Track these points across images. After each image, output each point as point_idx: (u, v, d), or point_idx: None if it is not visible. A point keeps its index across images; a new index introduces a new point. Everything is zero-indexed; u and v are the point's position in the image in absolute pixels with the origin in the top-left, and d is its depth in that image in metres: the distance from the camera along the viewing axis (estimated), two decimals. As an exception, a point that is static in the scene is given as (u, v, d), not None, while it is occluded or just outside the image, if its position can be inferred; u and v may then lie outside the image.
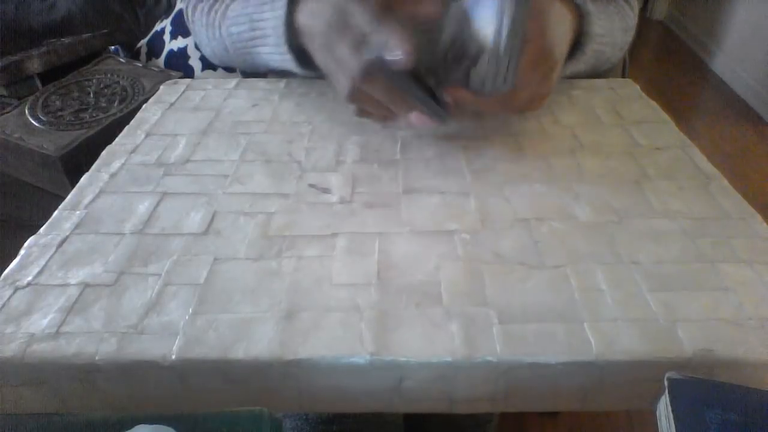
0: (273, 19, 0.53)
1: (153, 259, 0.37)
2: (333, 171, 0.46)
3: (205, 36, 0.64)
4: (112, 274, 0.36)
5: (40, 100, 0.77)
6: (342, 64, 0.44)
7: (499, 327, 0.32)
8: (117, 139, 0.51)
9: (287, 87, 0.60)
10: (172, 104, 0.57)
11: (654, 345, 0.31)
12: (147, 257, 0.37)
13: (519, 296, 0.34)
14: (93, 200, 0.43)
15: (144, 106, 0.57)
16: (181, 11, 0.93)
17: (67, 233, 0.39)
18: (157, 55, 0.92)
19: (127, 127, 0.53)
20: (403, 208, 0.42)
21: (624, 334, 0.32)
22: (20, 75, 0.82)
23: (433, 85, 0.46)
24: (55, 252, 0.38)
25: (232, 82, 0.61)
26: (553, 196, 0.43)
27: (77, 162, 0.68)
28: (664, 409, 0.27)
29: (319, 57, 0.48)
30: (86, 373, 0.31)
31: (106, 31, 0.94)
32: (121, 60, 0.87)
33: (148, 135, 0.51)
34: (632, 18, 0.63)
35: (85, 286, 0.35)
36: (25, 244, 0.39)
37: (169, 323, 0.33)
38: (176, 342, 0.31)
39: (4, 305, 0.34)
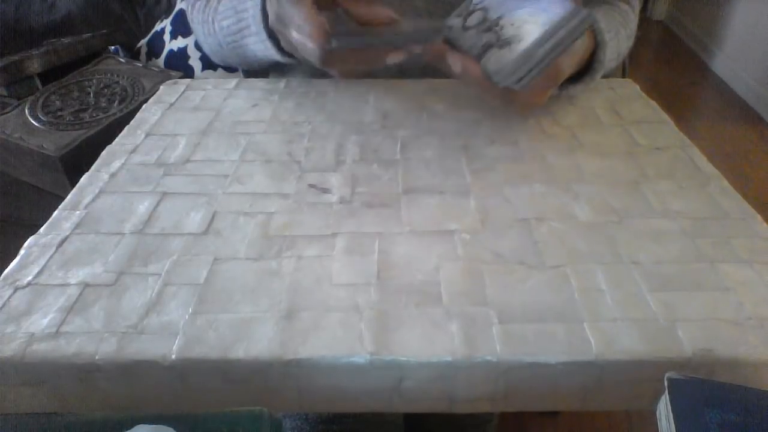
0: (252, 8, 0.54)
1: (153, 259, 0.37)
2: (333, 171, 0.46)
3: (202, 33, 0.64)
4: (112, 274, 0.36)
5: (40, 100, 0.77)
6: (302, 33, 0.46)
7: (499, 327, 0.32)
8: (117, 139, 0.51)
9: (287, 87, 0.60)
10: (172, 104, 0.57)
11: (654, 345, 0.31)
12: (147, 257, 0.37)
13: (519, 296, 0.34)
14: (93, 200, 0.43)
15: (144, 106, 0.57)
16: (181, 11, 0.93)
17: (67, 233, 0.39)
18: (157, 55, 0.92)
19: (127, 127, 0.53)
20: (403, 208, 0.42)
21: (624, 334, 0.32)
22: (20, 75, 0.82)
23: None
24: (55, 252, 0.38)
25: (232, 82, 0.61)
26: (552, 196, 0.43)
27: (77, 162, 0.68)
28: (664, 409, 0.27)
29: (283, 40, 0.50)
30: (86, 373, 0.31)
31: (106, 31, 0.94)
32: (121, 60, 0.87)
33: (148, 135, 0.51)
34: (634, 22, 0.63)
35: (85, 286, 0.35)
36: (25, 244, 0.39)
37: (169, 323, 0.33)
38: (176, 342, 0.31)
39: (4, 305, 0.34)
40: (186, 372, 0.31)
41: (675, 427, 0.25)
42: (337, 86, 0.59)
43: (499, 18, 0.41)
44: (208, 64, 0.88)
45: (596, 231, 0.39)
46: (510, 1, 0.41)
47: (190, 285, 0.35)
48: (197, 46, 0.89)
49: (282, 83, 0.61)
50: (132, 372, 0.31)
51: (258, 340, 0.31)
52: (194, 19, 0.65)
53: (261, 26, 0.53)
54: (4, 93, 0.83)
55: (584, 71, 0.55)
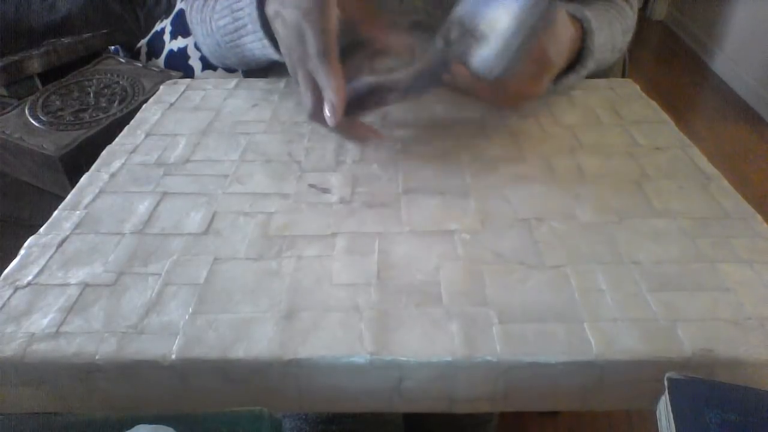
0: (248, 6, 0.54)
1: (153, 259, 0.37)
2: (333, 171, 0.46)
3: (200, 33, 0.64)
4: (112, 274, 0.36)
5: (40, 100, 0.77)
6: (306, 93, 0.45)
7: (499, 327, 0.32)
8: (117, 139, 0.51)
9: (287, 87, 0.60)
10: (172, 104, 0.57)
11: (654, 345, 0.31)
12: (147, 257, 0.37)
13: (519, 296, 0.34)
14: (93, 200, 0.43)
15: (144, 106, 0.57)
16: (181, 11, 0.93)
17: (67, 233, 0.39)
18: (157, 55, 0.92)
19: (127, 127, 0.53)
20: (403, 208, 0.42)
21: (624, 334, 0.32)
22: (20, 75, 0.82)
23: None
24: (55, 252, 0.38)
25: (232, 82, 0.61)
26: (553, 196, 0.43)
27: (77, 162, 0.68)
28: (664, 409, 0.27)
29: (289, 69, 0.49)
30: (86, 373, 0.31)
31: (106, 31, 0.94)
32: (121, 60, 0.87)
33: (148, 135, 0.51)
34: (632, 18, 0.63)
35: (85, 286, 0.35)
36: (25, 244, 0.39)
37: (169, 323, 0.33)
38: (176, 342, 0.31)
39: (4, 305, 0.34)
40: (186, 372, 0.31)
41: (675, 427, 0.25)
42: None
43: (475, 23, 0.44)
44: (208, 64, 0.88)
45: (596, 231, 0.39)
46: (481, 6, 0.43)
47: (190, 285, 0.35)
48: (197, 46, 0.89)
49: (282, 83, 0.61)
50: (132, 372, 0.31)
51: (258, 340, 0.31)
52: (193, 20, 0.65)
53: (258, 24, 0.53)
54: (4, 93, 0.83)
55: (576, 62, 0.55)
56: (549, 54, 0.47)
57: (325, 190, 0.44)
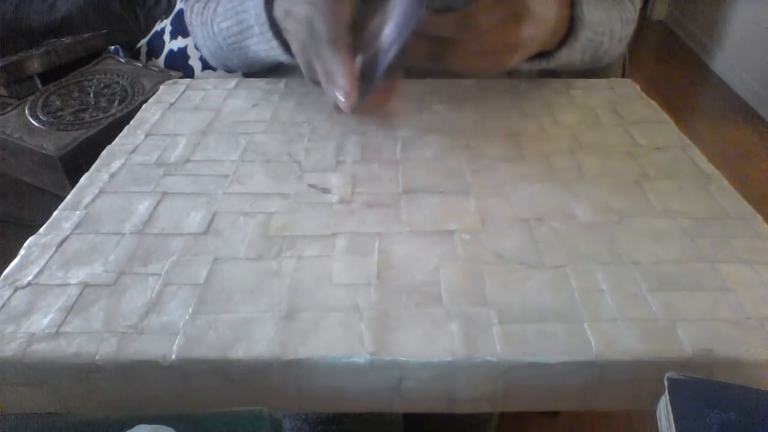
0: (254, 8, 0.53)
1: (153, 259, 0.37)
2: (333, 171, 0.46)
3: (201, 36, 0.64)
4: (112, 274, 0.36)
5: (40, 100, 0.77)
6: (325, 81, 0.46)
7: (499, 327, 0.32)
8: (117, 139, 0.51)
9: (287, 87, 0.60)
10: (172, 104, 0.57)
11: (654, 345, 0.31)
12: (147, 257, 0.37)
13: (519, 296, 0.34)
14: (93, 200, 0.43)
15: (144, 106, 0.57)
16: (181, 11, 0.93)
17: (67, 233, 0.39)
18: (157, 55, 0.92)
19: (127, 127, 0.53)
20: (403, 208, 0.42)
21: (624, 334, 0.32)
22: (20, 75, 0.82)
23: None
24: (55, 252, 0.38)
25: (232, 82, 0.61)
26: (553, 196, 0.43)
27: (77, 162, 0.68)
28: (664, 409, 0.27)
29: (303, 69, 0.50)
30: (86, 373, 0.31)
31: (106, 31, 0.94)
32: (121, 60, 0.87)
33: (148, 135, 0.51)
34: (632, 11, 0.62)
35: (85, 286, 0.35)
36: (25, 244, 0.39)
37: (169, 323, 0.33)
38: (176, 342, 0.31)
39: (4, 305, 0.34)
40: (186, 372, 0.31)
41: (675, 427, 0.25)
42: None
43: None
44: (208, 64, 0.88)
45: (596, 231, 0.39)
46: None
47: (190, 285, 0.35)
48: (197, 47, 0.89)
49: (282, 83, 0.61)
50: (132, 372, 0.31)
51: (258, 340, 0.31)
52: (192, 22, 0.65)
53: (266, 26, 0.53)
54: (4, 93, 0.83)
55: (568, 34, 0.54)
56: (522, 34, 0.45)
57: (325, 190, 0.44)
